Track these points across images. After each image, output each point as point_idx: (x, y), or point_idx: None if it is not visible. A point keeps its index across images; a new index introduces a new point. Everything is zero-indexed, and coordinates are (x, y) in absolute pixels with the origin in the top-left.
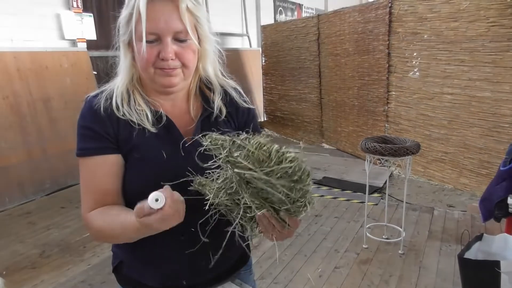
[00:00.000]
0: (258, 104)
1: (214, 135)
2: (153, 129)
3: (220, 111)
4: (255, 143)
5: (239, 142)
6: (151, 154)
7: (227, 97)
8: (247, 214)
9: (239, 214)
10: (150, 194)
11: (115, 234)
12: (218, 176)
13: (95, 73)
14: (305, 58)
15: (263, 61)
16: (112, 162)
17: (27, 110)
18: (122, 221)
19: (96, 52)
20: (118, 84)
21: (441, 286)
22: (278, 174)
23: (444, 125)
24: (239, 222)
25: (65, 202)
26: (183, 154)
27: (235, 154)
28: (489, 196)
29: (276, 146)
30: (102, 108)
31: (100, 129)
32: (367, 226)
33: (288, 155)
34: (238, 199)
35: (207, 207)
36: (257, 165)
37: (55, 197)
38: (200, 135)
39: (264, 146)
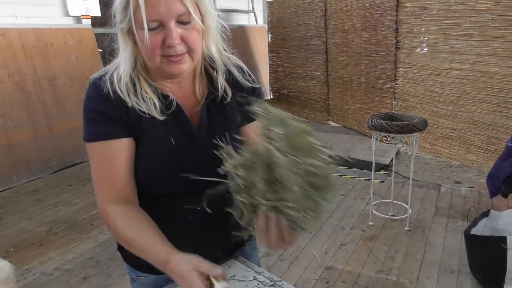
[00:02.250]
0: (264, 81)
1: (268, 106)
2: (161, 118)
3: (226, 92)
4: (299, 128)
5: (285, 118)
6: (160, 140)
7: (231, 77)
8: (253, 201)
9: (244, 197)
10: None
11: (132, 247)
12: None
13: (100, 50)
14: (311, 34)
15: (269, 38)
16: (127, 146)
17: (32, 88)
18: (148, 244)
19: (101, 29)
20: (121, 74)
21: (447, 262)
22: (302, 169)
23: (452, 101)
24: (240, 207)
25: (72, 180)
26: (190, 140)
27: (275, 130)
28: (497, 172)
29: (317, 142)
30: (111, 92)
31: (113, 114)
32: (373, 203)
33: (322, 156)
34: (252, 182)
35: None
36: (289, 150)
37: (62, 174)
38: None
39: (305, 134)
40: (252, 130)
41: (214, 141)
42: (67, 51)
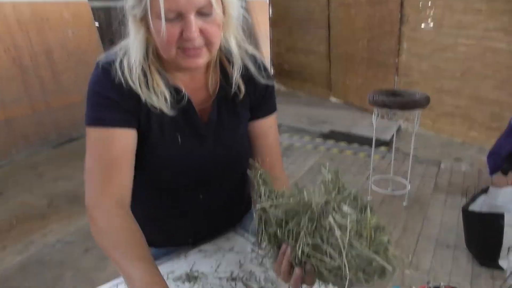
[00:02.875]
0: (265, 56)
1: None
2: (171, 113)
3: (239, 89)
4: (371, 219)
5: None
6: (166, 137)
7: (247, 73)
8: (283, 239)
9: (275, 232)
10: None
11: (115, 260)
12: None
13: (97, 25)
14: (314, 8)
15: (271, 12)
16: (131, 137)
17: (29, 63)
18: (133, 275)
19: (97, 3)
20: (132, 64)
21: (444, 237)
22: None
23: (456, 77)
24: (266, 237)
25: (71, 155)
26: (197, 138)
27: (344, 208)
28: (498, 149)
29: (385, 236)
30: (123, 82)
31: (124, 103)
32: (372, 179)
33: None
34: (296, 225)
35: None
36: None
37: (61, 149)
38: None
39: (373, 226)
40: (259, 127)
41: (222, 140)
42: (63, 25)
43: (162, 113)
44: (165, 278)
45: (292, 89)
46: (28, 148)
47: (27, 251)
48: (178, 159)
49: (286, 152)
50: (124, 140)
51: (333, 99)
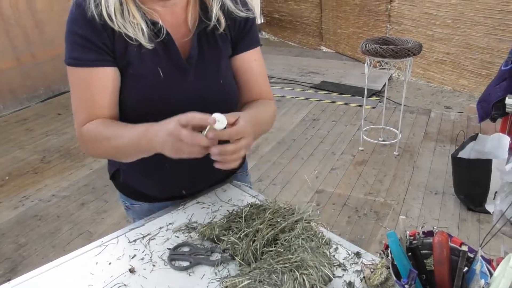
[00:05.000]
0: (255, 5)
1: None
2: (149, 46)
3: (219, 22)
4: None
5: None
6: (148, 71)
7: (226, 7)
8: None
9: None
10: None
11: (111, 145)
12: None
13: None
14: None
15: None
16: (109, 76)
17: (10, 12)
18: (123, 131)
19: None
20: None
21: (433, 184)
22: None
23: (448, 24)
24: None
25: (61, 109)
26: (180, 72)
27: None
28: (488, 96)
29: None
30: (97, 16)
31: (97, 40)
32: (364, 129)
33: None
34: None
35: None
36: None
37: (50, 103)
38: None
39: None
40: (242, 61)
41: (205, 74)
42: None
43: (140, 45)
44: (164, 229)
45: (283, 39)
46: (16, 103)
47: (23, 206)
48: (162, 93)
49: (277, 104)
50: (103, 79)
51: (324, 49)
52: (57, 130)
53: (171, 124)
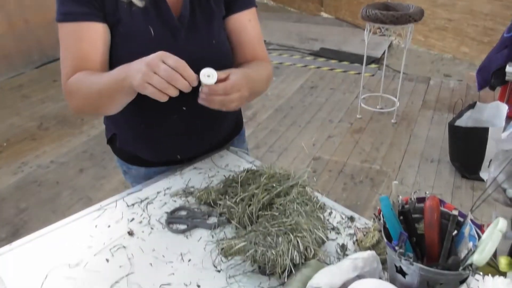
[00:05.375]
0: None
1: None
2: (140, 4)
3: None
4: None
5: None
6: (138, 29)
7: None
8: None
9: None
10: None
11: (93, 89)
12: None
13: None
14: None
15: None
16: (100, 31)
17: None
18: (105, 74)
19: None
20: None
21: (429, 152)
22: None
23: None
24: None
25: (56, 75)
26: (171, 32)
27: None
28: (488, 64)
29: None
30: None
31: None
32: (362, 97)
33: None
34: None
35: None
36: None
37: (45, 70)
38: None
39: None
40: (237, 21)
41: (196, 34)
42: None
43: (130, 3)
44: (162, 194)
45: (282, 4)
46: (10, 69)
47: (22, 172)
48: (153, 52)
49: (275, 71)
50: (93, 33)
51: (324, 15)
52: (54, 97)
53: (152, 55)
